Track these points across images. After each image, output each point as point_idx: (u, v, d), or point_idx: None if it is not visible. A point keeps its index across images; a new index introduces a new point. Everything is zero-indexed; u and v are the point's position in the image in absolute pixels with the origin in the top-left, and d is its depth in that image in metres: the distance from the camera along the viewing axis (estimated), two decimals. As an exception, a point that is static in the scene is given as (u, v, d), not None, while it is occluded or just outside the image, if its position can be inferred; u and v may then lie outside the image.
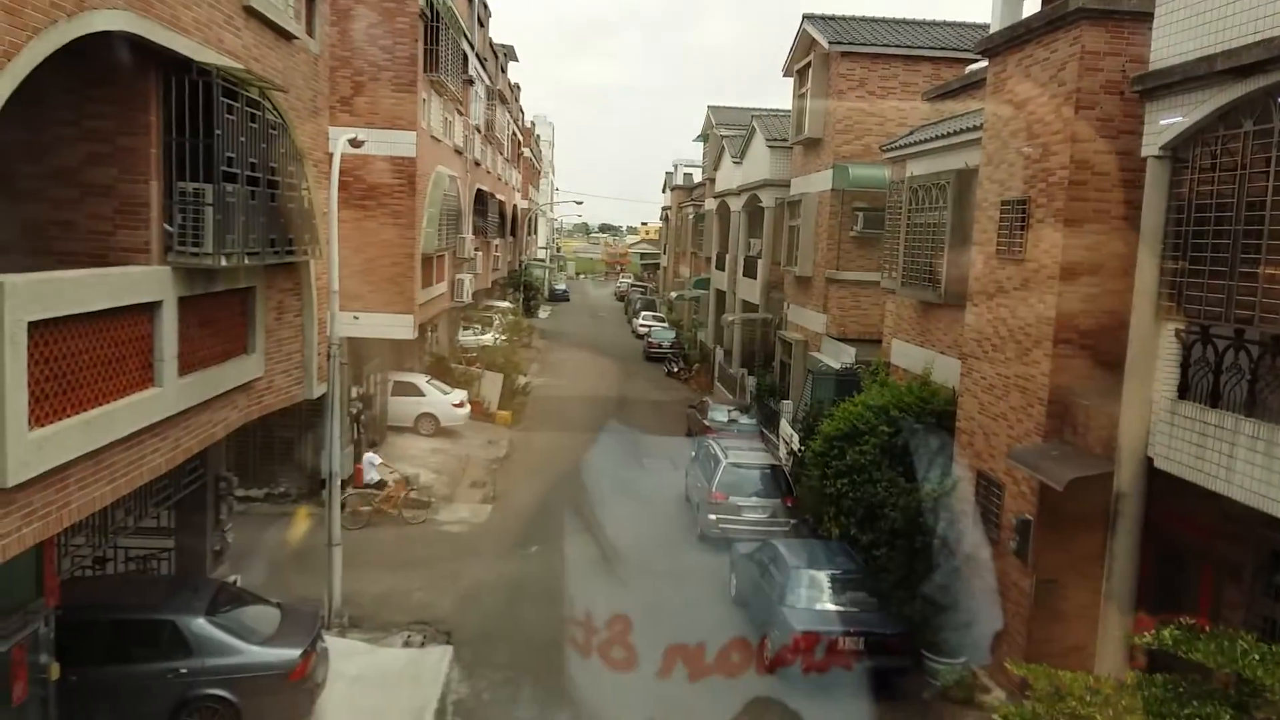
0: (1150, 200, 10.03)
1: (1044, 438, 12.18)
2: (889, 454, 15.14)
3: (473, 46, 29.48)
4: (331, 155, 13.95)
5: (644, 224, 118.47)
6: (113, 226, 9.24)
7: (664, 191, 73.15)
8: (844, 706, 12.22)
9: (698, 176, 55.07)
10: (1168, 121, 9.76)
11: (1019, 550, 12.51)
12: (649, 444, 26.93)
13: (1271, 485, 8.11)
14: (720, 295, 39.43)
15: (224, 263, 9.56)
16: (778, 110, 34.13)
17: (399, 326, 21.45)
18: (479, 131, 32.37)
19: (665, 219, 71.44)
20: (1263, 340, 8.45)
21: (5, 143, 8.80)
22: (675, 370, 40.75)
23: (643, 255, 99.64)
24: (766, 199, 30.56)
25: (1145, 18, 10.56)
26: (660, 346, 44.53)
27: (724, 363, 35.81)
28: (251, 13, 10.73)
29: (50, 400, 7.41)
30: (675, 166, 65.45)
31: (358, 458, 20.84)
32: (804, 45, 26.21)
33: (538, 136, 79.10)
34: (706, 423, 25.93)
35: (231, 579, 13.51)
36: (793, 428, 21.91)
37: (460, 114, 27.63)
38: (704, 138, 49.76)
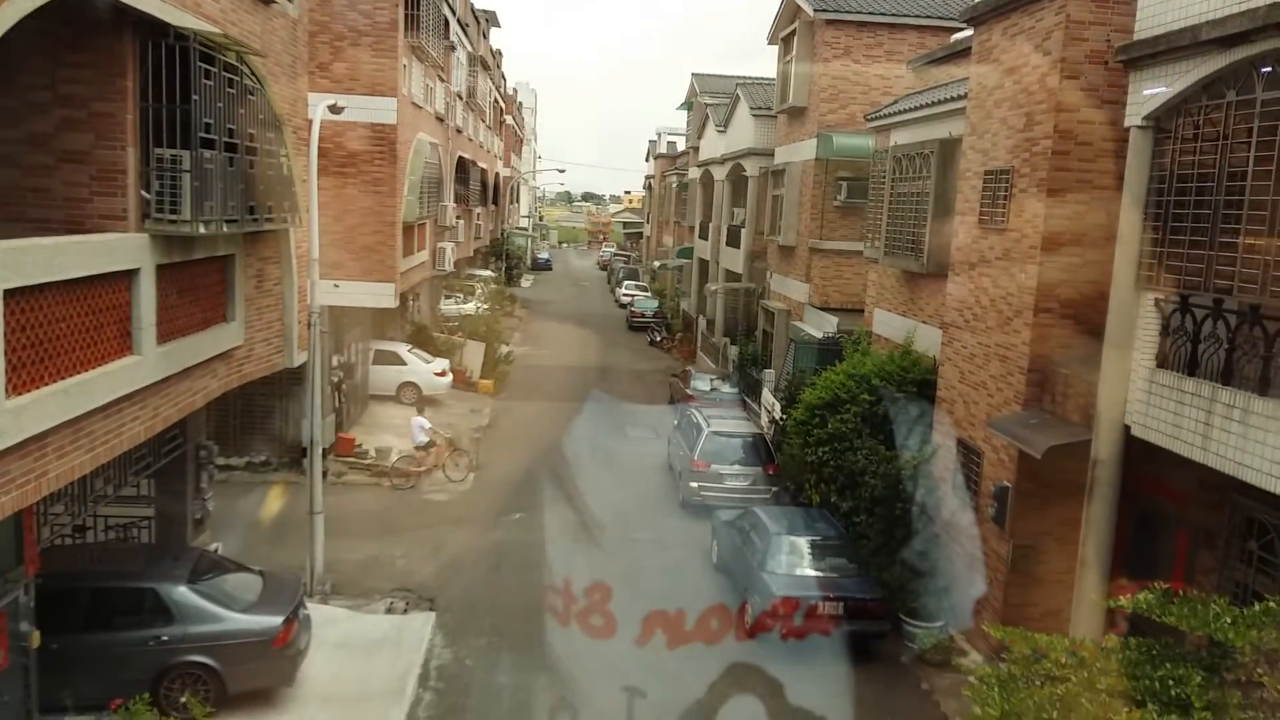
0: (1132, 170, 10.07)
1: (1024, 406, 12.28)
2: (870, 422, 15.26)
3: (454, 11, 29.08)
4: (311, 122, 13.78)
5: (627, 193, 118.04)
6: (89, 193, 9.11)
7: (647, 160, 72.78)
8: (823, 671, 12.37)
9: (682, 145, 54.81)
10: (1151, 91, 9.77)
11: (997, 517, 12.65)
12: (632, 413, 27.01)
13: (1246, 452, 8.22)
14: (703, 264, 39.39)
15: (202, 230, 9.45)
16: (763, 78, 33.94)
17: (380, 295, 21.31)
18: (460, 98, 32.03)
19: (649, 188, 71.14)
20: (1240, 310, 8.53)
21: (-23, 106, 8.65)
22: (658, 339, 40.78)
23: (626, 224, 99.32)
24: (750, 168, 30.46)
25: (1130, -14, 10.53)
26: (643, 316, 44.51)
27: (707, 332, 35.85)
28: (228, -26, 10.53)
29: (27, 368, 7.34)
30: (659, 135, 65.10)
31: (339, 427, 20.81)
32: (789, 12, 26.02)
33: (520, 104, 78.36)
34: (689, 391, 26.00)
35: (213, 547, 13.51)
36: (775, 396, 22.00)
37: (441, 80, 27.31)
38: (688, 105, 49.46)
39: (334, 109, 14.28)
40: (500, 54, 54.69)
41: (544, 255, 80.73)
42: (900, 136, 18.24)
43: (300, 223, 12.92)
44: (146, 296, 9.01)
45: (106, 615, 10.72)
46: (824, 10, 24.02)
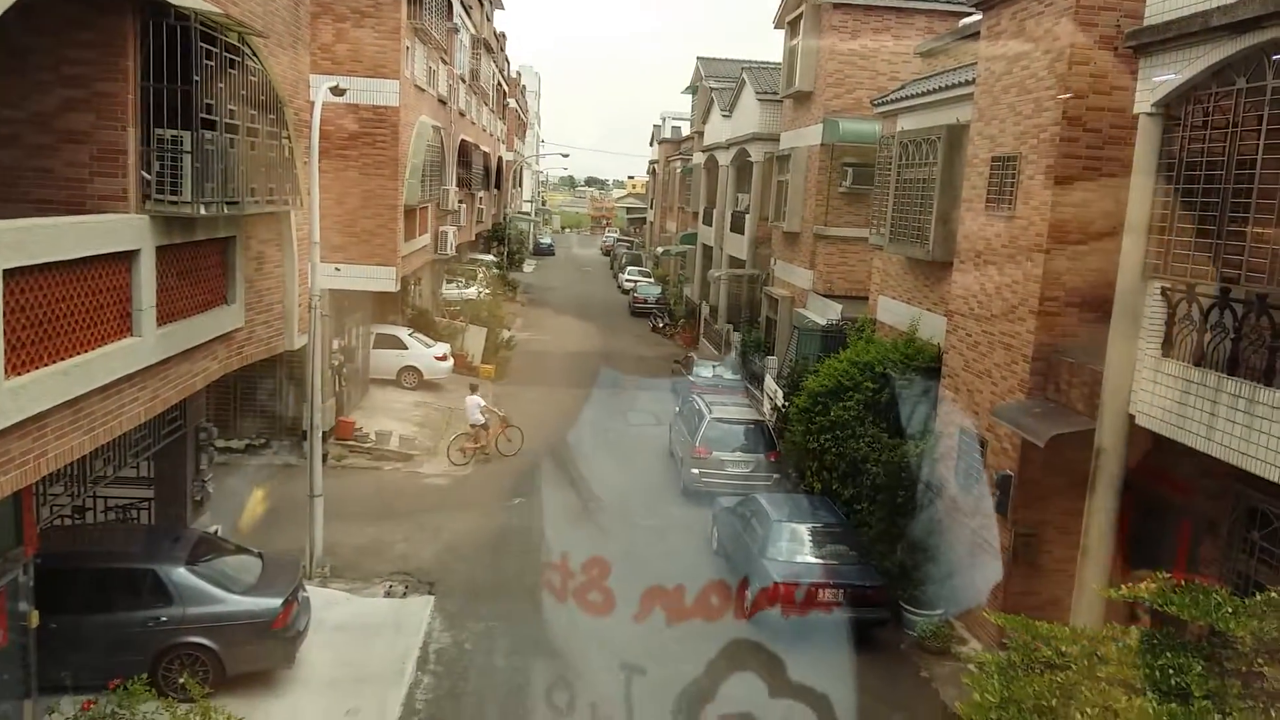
0: (1141, 158, 9.97)
1: (1028, 395, 12.23)
2: (872, 410, 15.22)
3: (457, -7, 28.93)
4: (313, 103, 13.70)
5: (631, 178, 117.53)
6: (89, 173, 9.06)
7: (651, 145, 72.42)
8: (822, 657, 12.36)
9: (686, 130, 54.52)
10: (1161, 78, 9.67)
11: (999, 505, 12.62)
12: (633, 399, 26.97)
13: (1250, 443, 8.17)
14: (707, 250, 39.28)
15: (202, 211, 9.40)
16: (768, 63, 33.73)
17: (381, 279, 21.27)
18: (463, 81, 31.89)
19: (652, 173, 70.86)
20: (1247, 299, 8.46)
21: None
22: (660, 326, 40.70)
23: (629, 210, 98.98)
24: (755, 153, 30.31)
25: (1140, -29, 10.42)
26: (646, 302, 44.42)
27: (710, 318, 35.78)
28: (229, -47, 10.44)
29: (27, 349, 7.30)
30: (663, 119, 64.75)
31: (339, 410, 20.80)
32: (795, -4, 25.85)
33: (523, 87, 78.02)
34: (691, 378, 25.96)
35: (212, 529, 13.51)
36: (777, 383, 21.96)
37: (444, 63, 27.18)
38: (693, 90, 49.17)
39: (336, 91, 14.19)
40: (504, 37, 54.45)
41: (546, 240, 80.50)
42: (907, 122, 18.12)
43: (301, 205, 12.86)
44: (147, 278, 8.97)
45: (105, 596, 10.73)
46: (831, -6, 23.83)
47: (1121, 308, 10.13)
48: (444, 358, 26.28)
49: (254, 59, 10.55)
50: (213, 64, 9.45)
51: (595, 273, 65.89)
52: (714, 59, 43.42)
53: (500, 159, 48.73)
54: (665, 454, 21.81)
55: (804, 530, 13.90)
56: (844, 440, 15.21)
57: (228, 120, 9.78)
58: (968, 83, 14.87)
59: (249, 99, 10.39)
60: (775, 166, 28.19)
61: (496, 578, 14.80)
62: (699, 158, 42.05)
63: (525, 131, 78.54)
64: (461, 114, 31.48)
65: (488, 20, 42.39)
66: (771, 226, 28.30)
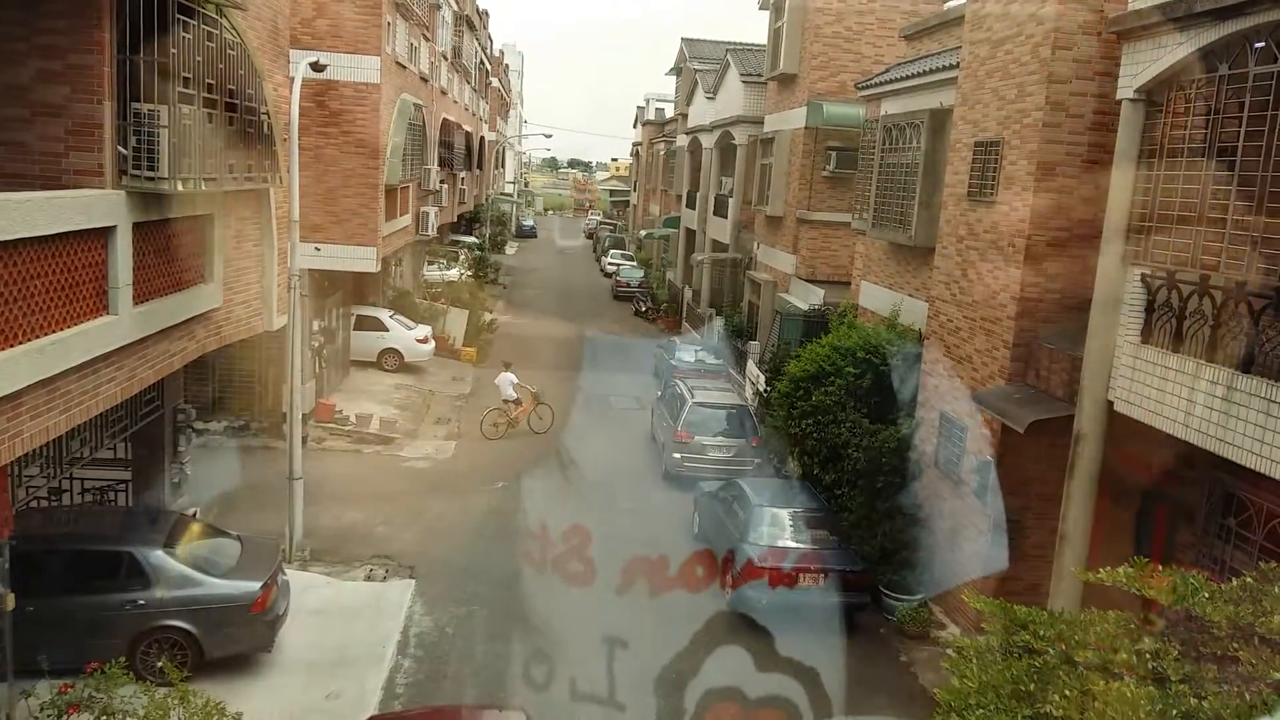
0: (1123, 143, 10.00)
1: (1008, 381, 12.29)
2: (854, 395, 15.24)
3: (440, -29, 28.64)
4: (292, 79, 13.53)
5: (614, 160, 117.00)
6: (64, 148, 8.90)
7: (635, 127, 72.13)
8: (801, 641, 12.42)
9: (670, 112, 54.31)
10: (1144, 64, 9.68)
11: (979, 491, 12.68)
12: (615, 382, 26.94)
13: (1228, 429, 8.24)
14: (690, 234, 39.20)
15: (180, 188, 9.28)
16: (753, 45, 33.56)
17: (361, 259, 21.12)
18: (445, 59, 31.61)
19: (636, 155, 70.59)
20: (1226, 286, 8.51)
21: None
22: (643, 309, 40.64)
23: (612, 192, 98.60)
24: (739, 136, 30.22)
25: (1126, -43, 10.41)
26: (628, 285, 44.32)
27: (692, 302, 35.75)
28: (207, -75, 10.25)
29: (0, 326, 7.19)
30: (647, 101, 64.44)
31: (319, 392, 20.65)
32: (780, -22, 25.72)
33: (506, 66, 77.53)
34: (673, 362, 25.93)
35: (191, 511, 13.40)
36: (759, 368, 21.98)
37: (426, 40, 26.92)
38: (677, 71, 48.93)
39: (316, 66, 14.02)
40: (486, 14, 54.00)
41: (529, 222, 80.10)
42: (891, 106, 18.10)
43: (281, 183, 12.71)
44: (123, 255, 8.85)
45: (82, 578, 10.61)
46: (816, -23, 23.74)
47: (1101, 294, 10.17)
48: (425, 340, 26.12)
49: (233, 32, 10.40)
50: (191, 36, 9.31)
51: (578, 256, 65.68)
52: (699, 40, 43.20)
53: (483, 139, 48.40)
54: (647, 438, 21.81)
55: (785, 515, 13.92)
56: (825, 425, 15.24)
57: (206, 94, 9.64)
58: (952, 67, 14.85)
59: (228, 73, 10.24)
60: (759, 149, 28.11)
61: (477, 561, 14.77)
62: (683, 140, 41.90)
63: (508, 111, 78.08)
64: (443, 92, 31.22)
65: (470, -1, 41.97)
66: (755, 210, 28.25)
